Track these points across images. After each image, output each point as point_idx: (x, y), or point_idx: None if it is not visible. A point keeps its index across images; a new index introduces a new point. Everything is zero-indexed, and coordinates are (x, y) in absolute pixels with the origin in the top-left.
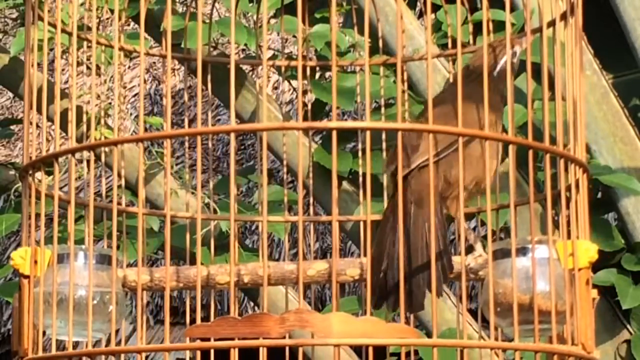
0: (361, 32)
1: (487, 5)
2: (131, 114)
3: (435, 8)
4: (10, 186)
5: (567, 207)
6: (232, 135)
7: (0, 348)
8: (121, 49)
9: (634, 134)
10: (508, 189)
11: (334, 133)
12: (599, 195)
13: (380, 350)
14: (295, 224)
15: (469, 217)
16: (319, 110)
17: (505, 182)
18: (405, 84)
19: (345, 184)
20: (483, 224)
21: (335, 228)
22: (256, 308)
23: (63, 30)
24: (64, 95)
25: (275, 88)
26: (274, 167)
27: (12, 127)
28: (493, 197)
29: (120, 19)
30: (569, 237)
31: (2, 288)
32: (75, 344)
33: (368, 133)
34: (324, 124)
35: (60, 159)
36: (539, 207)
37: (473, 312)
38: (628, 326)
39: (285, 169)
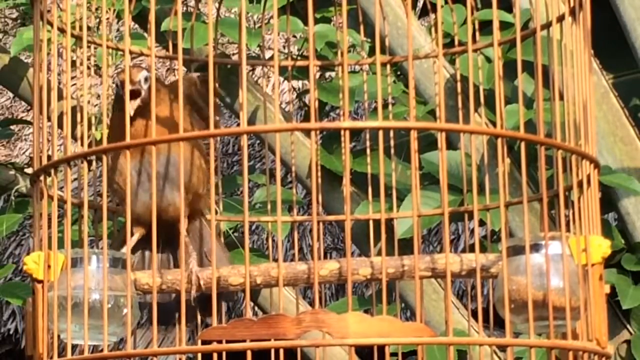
0: (365, 32)
1: (496, 2)
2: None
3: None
4: (10, 186)
5: (578, 203)
6: (244, 136)
7: (0, 348)
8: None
9: (634, 134)
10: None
11: (347, 133)
12: (599, 195)
13: (380, 349)
14: (294, 224)
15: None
16: (319, 110)
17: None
18: (412, 82)
19: (348, 184)
20: (482, 223)
21: (348, 227)
22: (256, 308)
23: (70, 34)
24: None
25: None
26: (273, 167)
27: (12, 127)
28: (496, 196)
29: (121, 18)
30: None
31: (2, 288)
32: (88, 348)
33: (381, 132)
34: (336, 124)
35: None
36: (537, 205)
37: (473, 312)
38: (628, 326)
39: (288, 169)
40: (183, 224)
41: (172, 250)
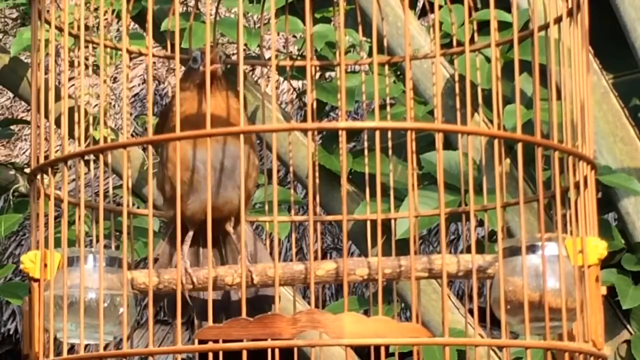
0: (364, 32)
1: (493, 3)
2: (131, 114)
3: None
4: (10, 186)
5: (575, 204)
6: (242, 137)
7: (0, 348)
8: (127, 51)
9: (634, 134)
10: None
11: (344, 133)
12: (599, 195)
13: (377, 349)
14: (294, 225)
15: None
16: (319, 110)
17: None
18: (409, 82)
19: (346, 184)
20: (482, 223)
21: (345, 227)
22: None
23: (69, 33)
24: (69, 97)
25: (276, 88)
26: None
27: (12, 127)
28: (494, 197)
29: (121, 19)
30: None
31: (2, 288)
32: (85, 347)
33: (377, 133)
34: (333, 124)
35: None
36: (535, 206)
37: (472, 312)
38: (628, 326)
39: (288, 170)
40: (243, 213)
41: (219, 248)
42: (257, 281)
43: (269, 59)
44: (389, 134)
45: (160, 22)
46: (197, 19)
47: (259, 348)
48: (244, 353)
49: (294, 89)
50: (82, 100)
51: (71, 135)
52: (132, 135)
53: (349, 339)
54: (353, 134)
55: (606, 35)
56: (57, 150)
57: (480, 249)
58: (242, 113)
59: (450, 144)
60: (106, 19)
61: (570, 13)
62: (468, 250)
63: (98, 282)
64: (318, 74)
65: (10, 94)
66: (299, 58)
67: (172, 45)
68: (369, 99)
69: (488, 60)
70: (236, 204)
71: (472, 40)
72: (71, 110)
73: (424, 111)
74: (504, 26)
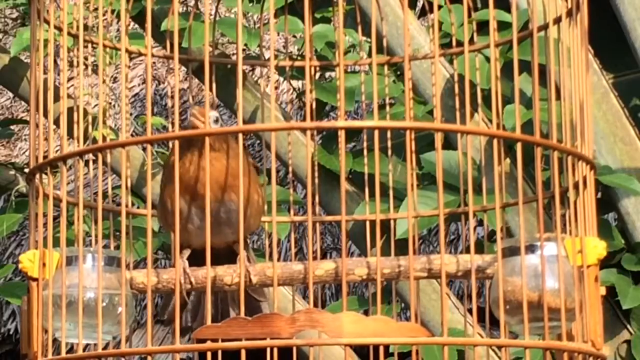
0: (363, 32)
1: (493, 3)
2: (131, 114)
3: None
4: (10, 186)
5: (574, 204)
6: (240, 135)
7: (0, 348)
8: (126, 50)
9: (634, 134)
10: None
11: (342, 133)
12: (599, 195)
13: (376, 349)
14: (294, 225)
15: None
16: (319, 110)
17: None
18: (408, 82)
19: (345, 184)
20: (481, 223)
21: (344, 227)
22: None
23: (68, 33)
24: (68, 96)
25: (276, 88)
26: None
27: (12, 127)
28: (494, 197)
29: (120, 18)
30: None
31: (2, 288)
32: (84, 346)
33: (376, 132)
34: (332, 123)
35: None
36: (535, 206)
37: (471, 312)
38: (628, 326)
39: (288, 169)
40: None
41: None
42: (256, 281)
43: (269, 59)
44: (389, 134)
45: (160, 22)
46: (196, 18)
47: (257, 347)
48: (243, 352)
49: (294, 89)
50: (81, 100)
51: (70, 135)
52: (131, 135)
53: (348, 338)
54: (353, 134)
55: (606, 35)
56: (57, 150)
57: (480, 249)
58: (241, 111)
59: (449, 144)
60: (105, 18)
61: (569, 13)
62: (467, 251)
63: (97, 282)
64: (318, 74)
65: (10, 94)
66: (298, 58)
67: (172, 45)
68: (368, 99)
69: (487, 60)
70: (234, 239)
71: (471, 40)
72: (70, 110)
73: (423, 111)
74: (504, 26)
